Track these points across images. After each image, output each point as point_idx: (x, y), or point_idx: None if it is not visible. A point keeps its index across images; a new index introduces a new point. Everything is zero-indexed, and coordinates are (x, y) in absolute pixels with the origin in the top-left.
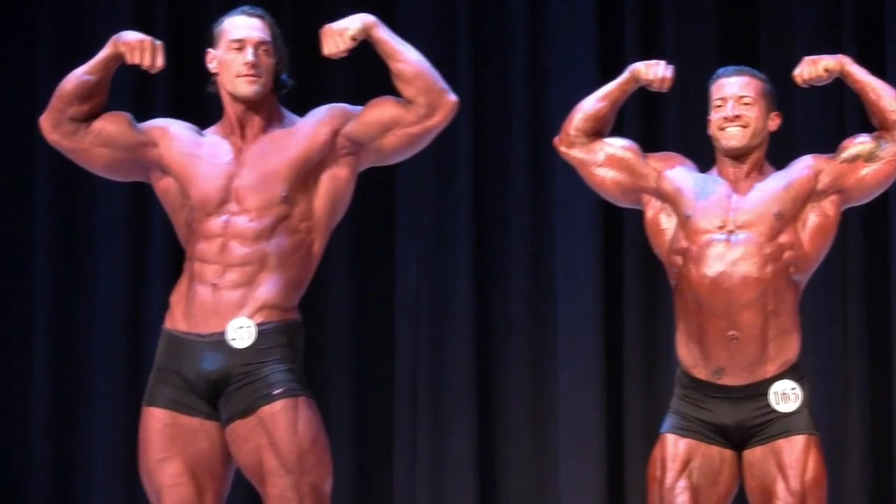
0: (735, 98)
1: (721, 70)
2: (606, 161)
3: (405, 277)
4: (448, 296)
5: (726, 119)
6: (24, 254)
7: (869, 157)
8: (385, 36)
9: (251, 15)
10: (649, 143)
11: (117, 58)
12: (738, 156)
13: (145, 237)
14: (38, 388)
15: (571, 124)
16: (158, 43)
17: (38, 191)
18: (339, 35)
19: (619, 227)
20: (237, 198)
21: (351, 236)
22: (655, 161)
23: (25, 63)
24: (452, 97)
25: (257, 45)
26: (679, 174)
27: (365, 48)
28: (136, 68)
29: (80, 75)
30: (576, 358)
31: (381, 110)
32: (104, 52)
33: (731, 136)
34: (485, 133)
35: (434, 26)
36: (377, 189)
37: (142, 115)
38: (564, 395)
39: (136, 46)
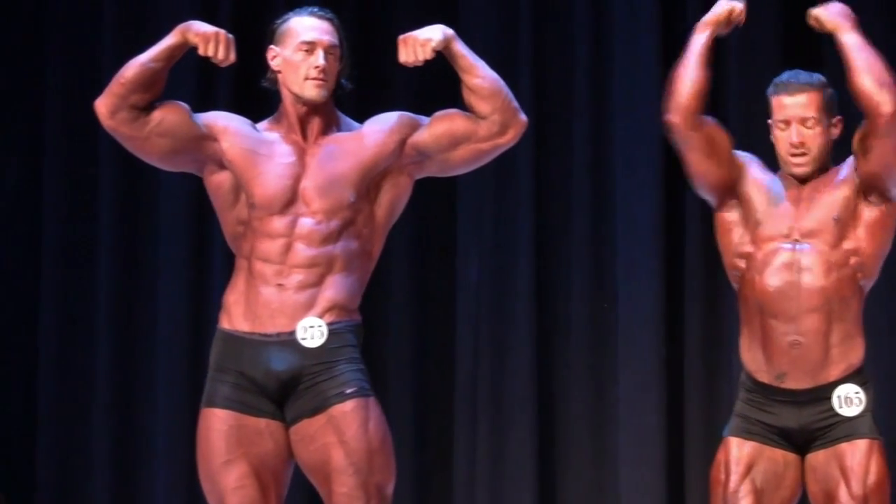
0: (798, 120)
1: (781, 82)
2: (716, 150)
3: (466, 279)
4: (508, 297)
5: (792, 145)
6: (87, 253)
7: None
8: (463, 50)
9: (321, 17)
10: None
11: (183, 47)
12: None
13: (207, 237)
14: (99, 388)
15: (686, 103)
16: (231, 36)
17: (102, 190)
18: (422, 45)
19: (681, 228)
20: (305, 199)
21: (412, 238)
22: (738, 158)
23: (91, 58)
24: (524, 117)
25: (327, 49)
26: (757, 174)
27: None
28: (200, 58)
29: (144, 62)
30: (636, 360)
31: (452, 124)
32: (170, 41)
33: (796, 165)
34: (546, 134)
35: (496, 27)
36: (438, 191)
37: (203, 106)
38: (624, 397)
39: (210, 39)
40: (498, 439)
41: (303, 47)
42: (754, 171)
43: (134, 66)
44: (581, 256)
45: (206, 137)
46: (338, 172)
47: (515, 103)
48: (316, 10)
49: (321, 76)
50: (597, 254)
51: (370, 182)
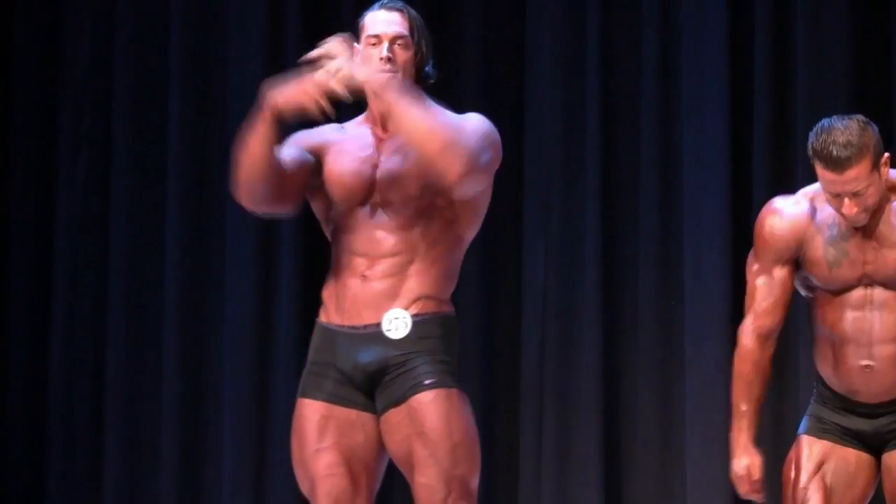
0: (849, 195)
1: (823, 151)
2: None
3: (532, 276)
4: (575, 294)
5: (847, 216)
6: (155, 252)
7: None
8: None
9: (390, 9)
10: (779, 148)
11: (277, 120)
12: None
13: (274, 237)
14: (167, 385)
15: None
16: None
17: (170, 188)
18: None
19: (748, 225)
20: (380, 189)
21: (479, 234)
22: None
23: (158, 55)
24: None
25: (393, 40)
26: (811, 249)
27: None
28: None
29: (246, 161)
30: (703, 357)
31: None
32: (261, 121)
33: (852, 222)
34: (613, 131)
35: (563, 25)
36: (505, 187)
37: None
38: (691, 395)
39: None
40: (564, 436)
41: (370, 41)
42: (808, 243)
43: (243, 168)
44: (648, 254)
45: (314, 159)
46: (409, 164)
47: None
48: (387, 2)
49: (386, 67)
50: (664, 252)
51: None
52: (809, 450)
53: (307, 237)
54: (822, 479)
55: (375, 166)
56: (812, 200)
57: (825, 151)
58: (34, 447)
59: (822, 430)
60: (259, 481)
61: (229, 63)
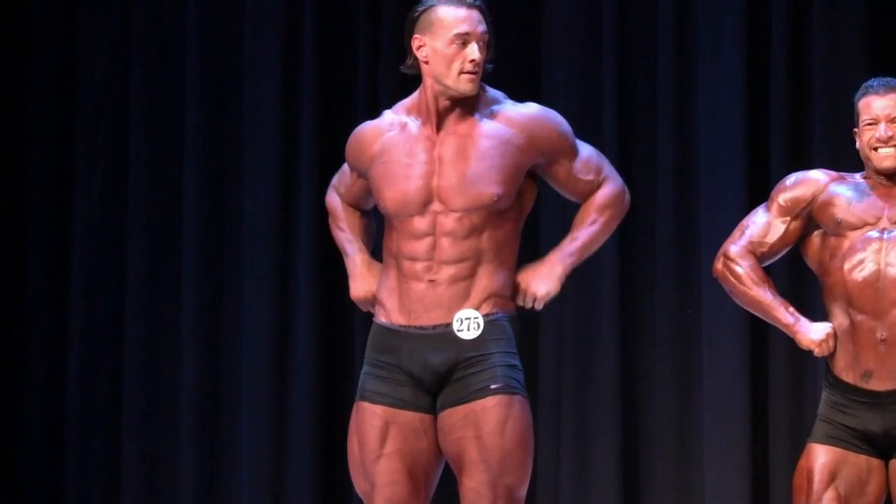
0: (886, 118)
1: (869, 85)
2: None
3: None
4: (593, 304)
5: (879, 139)
6: (172, 263)
7: None
8: (579, 254)
9: (471, 7)
10: (796, 155)
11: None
12: (892, 174)
13: (293, 248)
14: (185, 397)
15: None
16: None
17: (187, 200)
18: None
19: None
20: (441, 198)
21: None
22: (792, 200)
23: (174, 68)
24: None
25: (480, 39)
26: (827, 195)
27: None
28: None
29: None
30: (721, 366)
31: (574, 189)
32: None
33: (884, 157)
34: (630, 141)
35: (579, 33)
36: None
37: (290, 114)
38: (709, 404)
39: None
40: (582, 446)
41: (456, 40)
42: (826, 192)
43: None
44: (665, 263)
45: (367, 180)
46: (473, 172)
47: (620, 188)
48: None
49: (476, 69)
50: (681, 260)
51: (515, 175)
52: (822, 458)
53: (324, 248)
54: (836, 489)
55: (433, 174)
56: (837, 174)
57: (874, 84)
58: (52, 458)
59: (832, 437)
60: (277, 493)
61: (245, 75)
